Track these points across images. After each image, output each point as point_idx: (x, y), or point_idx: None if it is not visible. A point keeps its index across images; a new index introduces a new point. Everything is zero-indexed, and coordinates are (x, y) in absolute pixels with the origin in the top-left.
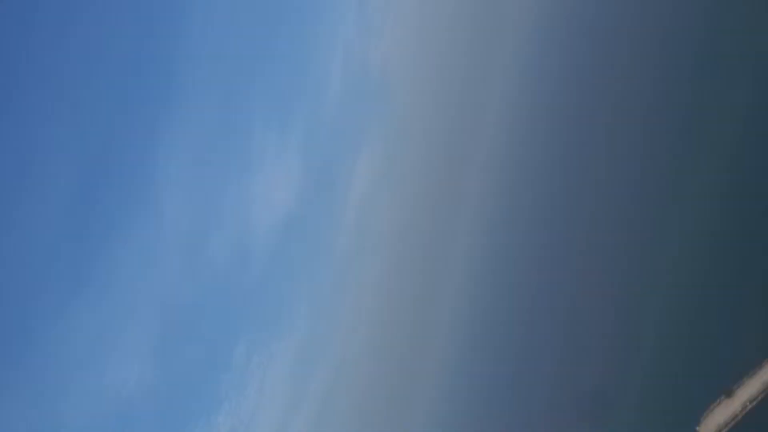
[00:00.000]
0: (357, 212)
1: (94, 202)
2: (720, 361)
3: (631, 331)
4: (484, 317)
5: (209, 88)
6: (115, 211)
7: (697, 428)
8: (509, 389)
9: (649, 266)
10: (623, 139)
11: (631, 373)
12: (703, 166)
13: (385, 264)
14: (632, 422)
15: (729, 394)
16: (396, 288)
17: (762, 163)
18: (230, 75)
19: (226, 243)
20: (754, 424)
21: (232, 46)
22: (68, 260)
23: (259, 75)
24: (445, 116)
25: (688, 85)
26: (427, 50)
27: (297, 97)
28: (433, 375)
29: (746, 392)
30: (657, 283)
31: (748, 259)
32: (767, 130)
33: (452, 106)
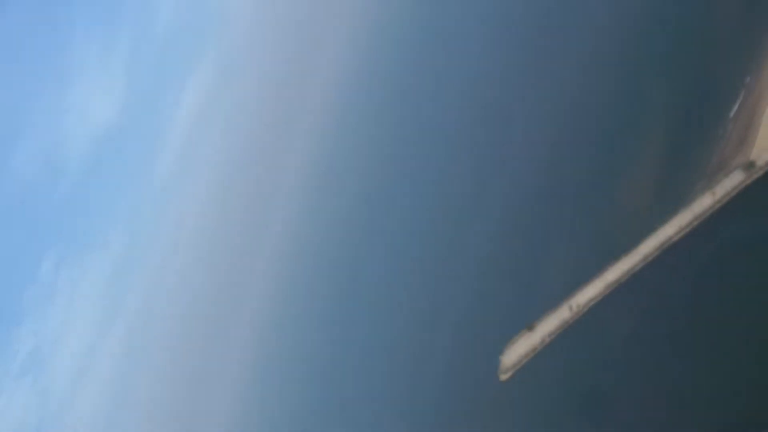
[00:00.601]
0: (183, 133)
1: None
2: (525, 298)
3: (446, 269)
4: (309, 253)
5: None
6: None
7: (501, 357)
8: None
9: (462, 215)
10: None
11: (445, 307)
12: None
13: (211, 188)
14: (443, 350)
15: (531, 328)
16: (220, 212)
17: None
18: None
19: (35, 153)
20: (550, 355)
21: None
22: None
23: None
24: (285, 48)
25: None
26: None
27: (123, 11)
28: (256, 301)
29: (546, 327)
30: (474, 233)
31: (555, 211)
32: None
33: (292, 38)
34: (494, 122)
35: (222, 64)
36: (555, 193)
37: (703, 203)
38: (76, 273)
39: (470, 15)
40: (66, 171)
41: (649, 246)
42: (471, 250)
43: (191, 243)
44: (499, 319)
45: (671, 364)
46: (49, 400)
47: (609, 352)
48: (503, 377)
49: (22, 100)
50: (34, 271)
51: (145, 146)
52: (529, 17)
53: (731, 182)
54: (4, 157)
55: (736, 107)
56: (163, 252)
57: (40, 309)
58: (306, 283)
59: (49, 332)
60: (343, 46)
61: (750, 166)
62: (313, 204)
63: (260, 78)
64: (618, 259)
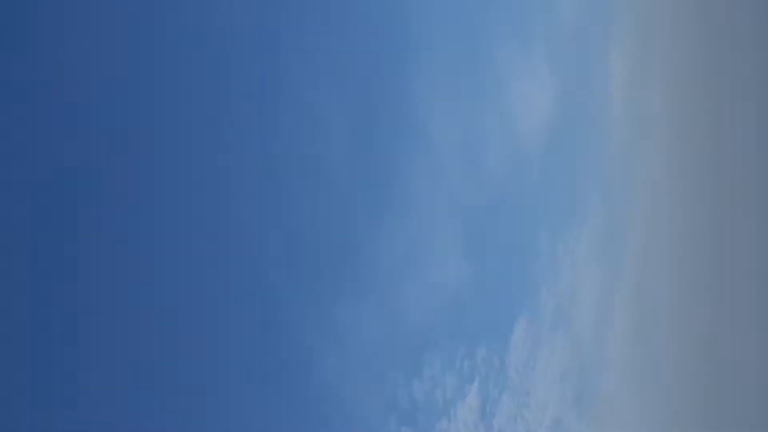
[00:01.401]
0: (622, 100)
1: (372, 139)
2: None
3: None
4: None
5: (444, 20)
6: (391, 144)
7: None
8: None
9: None
10: None
11: None
12: None
13: (668, 145)
14: None
15: None
16: (682, 162)
17: None
18: (458, 4)
19: (500, 153)
20: None
21: None
22: (366, 191)
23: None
24: None
25: None
26: None
27: (528, 10)
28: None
29: None
30: None
31: None
32: None
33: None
34: None
35: (636, 29)
36: None
37: None
38: (569, 242)
39: None
40: (530, 161)
41: None
42: None
43: (668, 202)
44: None
45: None
46: (580, 345)
47: None
48: None
49: (473, 113)
50: (534, 247)
51: (590, 126)
52: None
53: None
54: (477, 160)
55: None
56: (642, 218)
57: (550, 276)
58: None
59: (563, 293)
60: None
61: None
62: None
63: (677, 27)
64: None
